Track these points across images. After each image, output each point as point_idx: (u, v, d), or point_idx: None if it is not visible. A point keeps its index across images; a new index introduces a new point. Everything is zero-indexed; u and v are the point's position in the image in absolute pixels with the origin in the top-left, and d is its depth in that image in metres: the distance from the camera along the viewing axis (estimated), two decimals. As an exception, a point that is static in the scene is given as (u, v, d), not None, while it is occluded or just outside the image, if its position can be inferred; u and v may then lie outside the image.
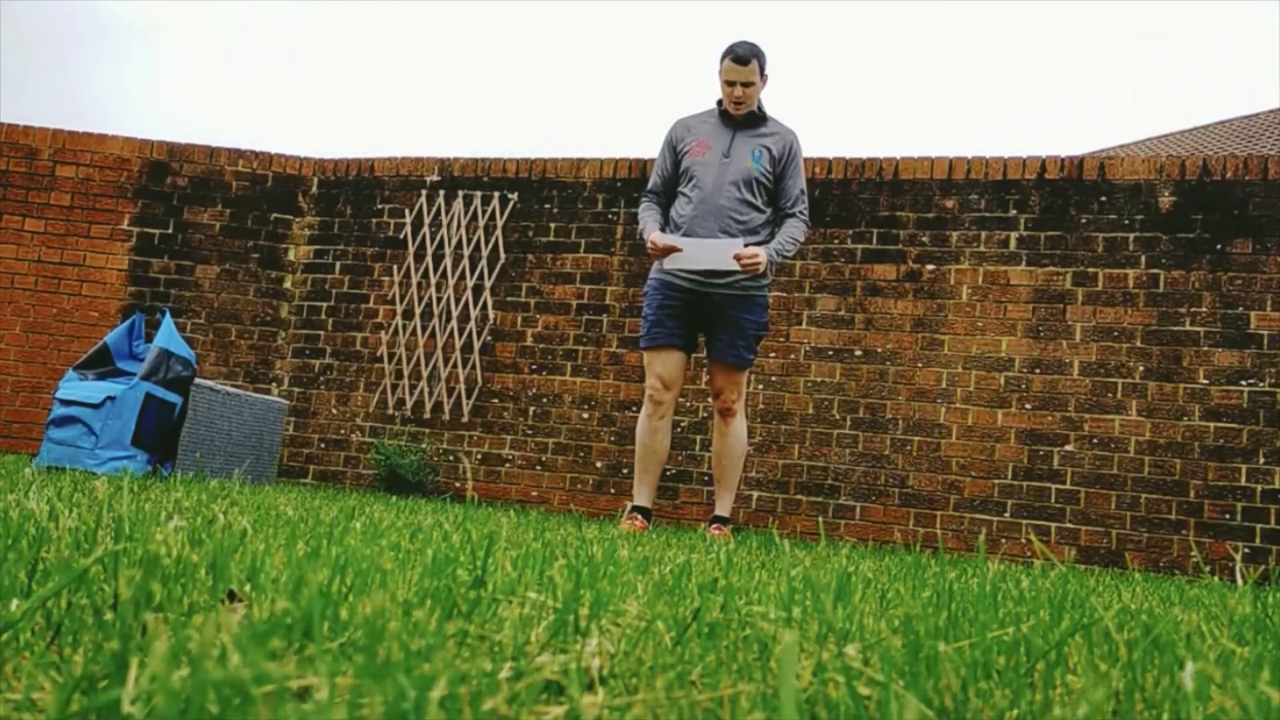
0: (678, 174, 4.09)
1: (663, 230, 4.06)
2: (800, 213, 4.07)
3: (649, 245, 3.95)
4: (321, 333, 6.04)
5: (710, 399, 4.08)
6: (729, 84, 3.99)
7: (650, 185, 4.17)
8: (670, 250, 3.88)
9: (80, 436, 4.04)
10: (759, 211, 3.99)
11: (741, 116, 4.05)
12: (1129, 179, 4.93)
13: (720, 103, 4.08)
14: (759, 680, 0.69)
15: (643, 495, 4.08)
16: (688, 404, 5.30)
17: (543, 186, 5.81)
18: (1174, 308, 4.78)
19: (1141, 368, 4.78)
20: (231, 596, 0.85)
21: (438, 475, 5.66)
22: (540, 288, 5.72)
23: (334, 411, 5.93)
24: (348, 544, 1.30)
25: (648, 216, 4.09)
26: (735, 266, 3.82)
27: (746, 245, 3.89)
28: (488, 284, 5.78)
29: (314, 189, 6.17)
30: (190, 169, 6.15)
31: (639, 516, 4.00)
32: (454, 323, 5.79)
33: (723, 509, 4.09)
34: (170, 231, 6.09)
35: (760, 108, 4.07)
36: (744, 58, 3.97)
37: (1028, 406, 4.89)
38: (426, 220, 5.94)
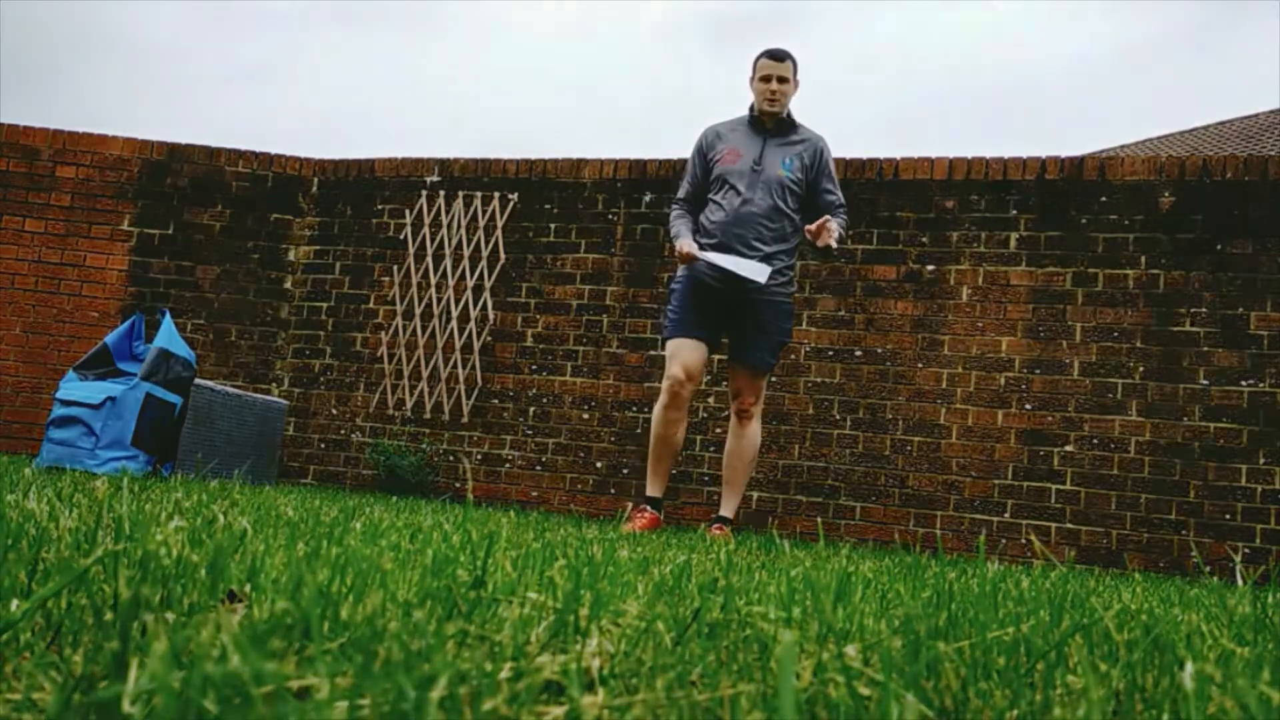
0: (708, 181, 4.09)
1: (694, 235, 4.06)
2: (843, 213, 4.08)
3: (678, 252, 3.96)
4: (321, 333, 6.04)
5: (730, 400, 4.09)
6: (764, 79, 4.01)
7: (681, 193, 4.17)
8: (693, 260, 3.91)
9: (80, 437, 4.04)
10: (790, 218, 4.00)
11: (772, 124, 4.05)
12: (1129, 179, 4.93)
13: (751, 109, 4.09)
14: (759, 680, 0.69)
15: (656, 486, 4.07)
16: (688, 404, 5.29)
17: (543, 187, 5.81)
18: (1174, 308, 4.78)
19: (1141, 368, 4.78)
20: (232, 597, 0.85)
21: (438, 476, 5.66)
22: (540, 288, 5.72)
23: (334, 412, 5.93)
24: (348, 544, 1.30)
25: (680, 224, 4.10)
26: (762, 279, 3.82)
27: (776, 261, 3.91)
28: (488, 284, 5.77)
29: (314, 189, 6.17)
30: (190, 169, 6.15)
31: (648, 509, 3.99)
32: (454, 323, 5.79)
33: (728, 510, 4.08)
34: (170, 232, 6.09)
35: (789, 115, 4.08)
36: (780, 55, 4.04)
37: (1028, 407, 4.89)
38: (426, 221, 5.94)
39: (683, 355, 4.00)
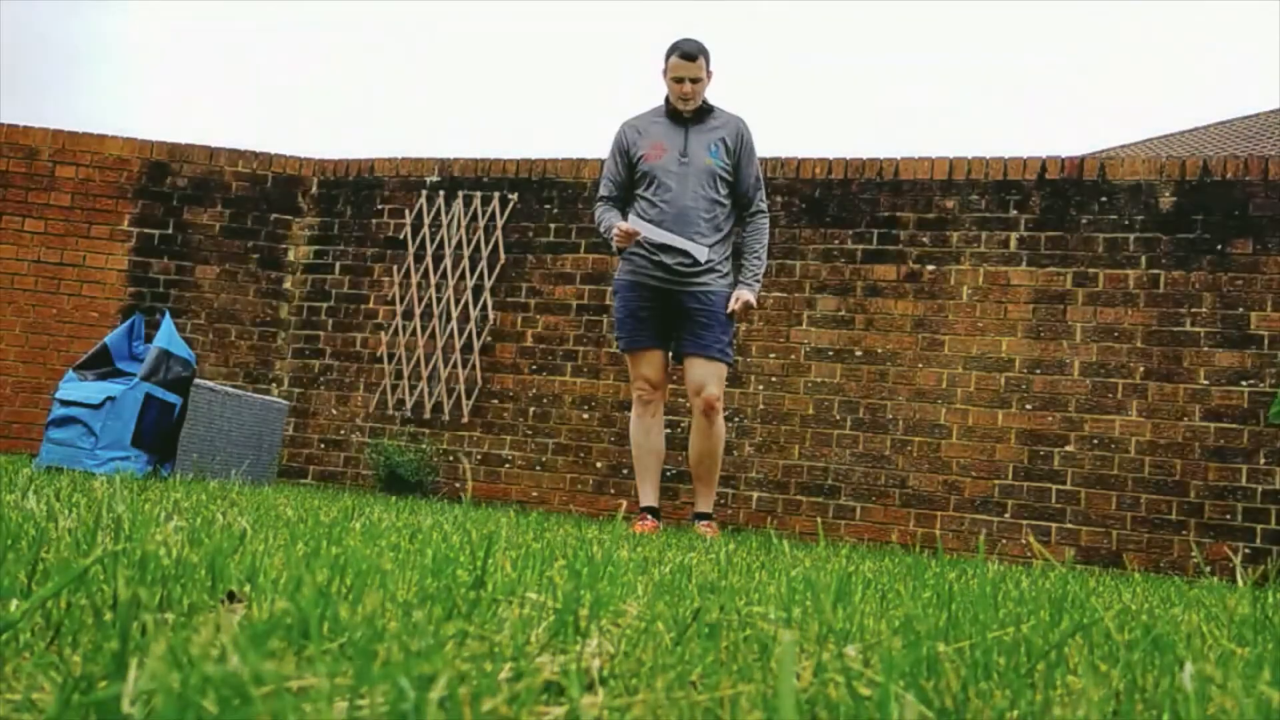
0: (632, 178, 4.06)
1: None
2: (760, 209, 4.10)
3: (616, 234, 3.92)
4: (321, 333, 6.04)
5: (691, 397, 4.01)
6: (677, 80, 3.98)
7: (604, 192, 4.13)
8: (635, 235, 3.89)
9: (80, 437, 4.04)
10: (723, 206, 4.00)
11: (690, 112, 4.04)
12: (1129, 179, 4.93)
13: (667, 100, 4.06)
14: (759, 680, 0.69)
15: (648, 495, 4.07)
16: (686, 404, 5.30)
17: (543, 186, 5.81)
18: (1174, 308, 4.78)
19: (1142, 368, 4.78)
20: (231, 597, 0.85)
21: (437, 476, 5.66)
22: (540, 288, 5.72)
23: (334, 412, 5.93)
24: (347, 544, 1.30)
25: (610, 215, 4.07)
26: (700, 252, 3.86)
27: (711, 245, 3.93)
28: (487, 284, 5.77)
29: (314, 189, 6.17)
30: (190, 169, 6.15)
31: (649, 517, 4.00)
32: (454, 323, 5.79)
33: (706, 506, 4.07)
34: (170, 232, 6.09)
35: (705, 101, 4.06)
36: (691, 54, 3.96)
37: (1028, 407, 4.89)
38: (426, 221, 5.94)
39: (642, 367, 4.03)
